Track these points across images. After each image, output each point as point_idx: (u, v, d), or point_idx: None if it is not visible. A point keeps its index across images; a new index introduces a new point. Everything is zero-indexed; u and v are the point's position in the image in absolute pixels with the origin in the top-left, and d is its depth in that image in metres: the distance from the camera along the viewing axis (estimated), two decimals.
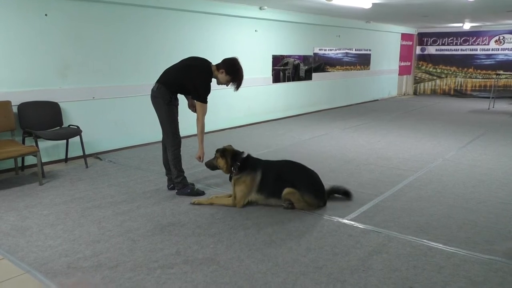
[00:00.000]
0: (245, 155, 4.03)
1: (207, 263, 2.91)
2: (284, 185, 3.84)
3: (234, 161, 3.97)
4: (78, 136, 5.36)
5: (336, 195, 4.19)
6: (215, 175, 5.04)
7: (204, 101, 4.11)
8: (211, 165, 4.11)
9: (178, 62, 4.27)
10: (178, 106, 4.33)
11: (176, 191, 4.33)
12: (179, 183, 4.28)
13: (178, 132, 4.28)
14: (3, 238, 3.31)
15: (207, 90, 4.11)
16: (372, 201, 4.11)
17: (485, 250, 3.09)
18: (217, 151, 4.07)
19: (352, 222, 3.61)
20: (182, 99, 4.41)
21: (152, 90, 4.21)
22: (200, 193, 4.31)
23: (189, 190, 4.29)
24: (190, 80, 4.10)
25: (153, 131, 6.70)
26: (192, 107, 4.40)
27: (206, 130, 7.67)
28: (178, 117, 4.29)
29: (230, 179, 4.04)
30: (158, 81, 4.21)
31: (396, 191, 4.44)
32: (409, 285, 2.63)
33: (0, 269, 2.86)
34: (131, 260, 2.94)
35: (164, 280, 2.69)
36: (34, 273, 2.78)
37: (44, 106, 5.34)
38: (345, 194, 4.17)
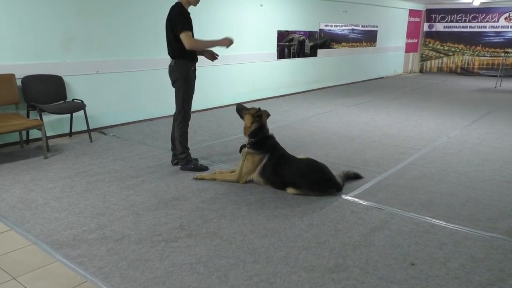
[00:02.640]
0: (268, 133, 3.95)
1: (211, 237, 2.94)
2: (286, 180, 3.75)
3: (255, 132, 3.88)
4: (82, 111, 5.36)
5: (349, 180, 4.02)
6: (219, 152, 5.05)
7: (185, 29, 3.92)
8: (240, 110, 4.04)
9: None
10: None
11: (180, 166, 4.35)
12: (183, 159, 4.29)
13: (190, 109, 4.25)
14: (9, 210, 3.35)
15: (183, 18, 3.94)
16: (375, 179, 4.11)
17: (487, 228, 3.10)
18: (253, 108, 3.96)
19: (355, 199, 3.62)
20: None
21: (170, 65, 4.15)
22: (204, 168, 4.33)
23: (192, 166, 4.30)
24: (172, 24, 3.99)
25: (158, 106, 6.73)
26: (207, 54, 4.37)
27: (210, 106, 7.70)
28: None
29: (240, 150, 3.97)
30: (171, 56, 4.13)
31: (399, 168, 4.44)
32: (410, 261, 2.66)
33: (7, 240, 2.90)
34: (135, 233, 2.98)
35: (168, 253, 2.72)
36: (40, 245, 2.83)
37: (48, 80, 5.32)
38: (357, 177, 4.09)
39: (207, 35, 7.38)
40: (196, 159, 4.45)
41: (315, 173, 3.77)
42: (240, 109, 4.06)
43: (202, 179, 4.05)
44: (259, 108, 3.98)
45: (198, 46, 4.09)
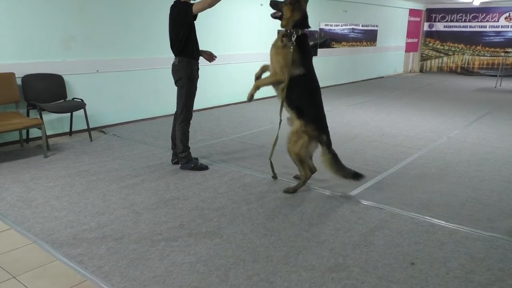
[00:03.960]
0: (305, 32, 3.55)
1: (211, 236, 2.94)
2: (300, 101, 3.57)
3: (299, 23, 3.48)
4: (82, 109, 5.35)
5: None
6: (219, 151, 5.05)
7: (191, 4, 3.89)
8: (275, 5, 3.56)
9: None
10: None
11: (180, 165, 4.35)
12: (183, 158, 4.29)
13: (192, 108, 4.26)
14: (9, 209, 3.35)
15: (188, 8, 3.92)
16: (375, 178, 4.11)
17: (487, 228, 3.11)
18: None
19: (355, 198, 3.62)
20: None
21: (173, 64, 4.15)
22: (204, 167, 4.33)
23: (192, 165, 4.30)
24: (175, 22, 4.01)
25: (158, 105, 6.72)
26: (206, 55, 4.35)
27: (210, 105, 7.70)
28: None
29: (281, 40, 3.56)
30: (175, 55, 4.13)
31: (399, 168, 4.44)
32: (410, 260, 2.66)
33: (7, 239, 2.90)
34: (135, 233, 2.98)
35: (168, 252, 2.72)
36: (40, 243, 2.83)
37: (48, 79, 5.32)
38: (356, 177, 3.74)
39: (207, 35, 7.41)
40: (196, 158, 4.46)
41: (321, 109, 3.72)
42: (276, 3, 3.56)
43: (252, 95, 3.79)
44: None
45: (212, 2, 3.85)
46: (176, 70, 4.13)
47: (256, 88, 3.75)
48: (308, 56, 3.66)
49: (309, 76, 3.64)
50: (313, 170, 3.85)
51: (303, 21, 3.52)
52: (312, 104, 3.70)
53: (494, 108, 7.97)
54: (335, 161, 3.67)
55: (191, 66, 4.09)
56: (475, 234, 3.02)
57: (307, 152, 3.68)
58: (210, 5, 3.85)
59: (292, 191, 3.73)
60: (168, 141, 4.78)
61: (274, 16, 3.63)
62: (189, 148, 4.33)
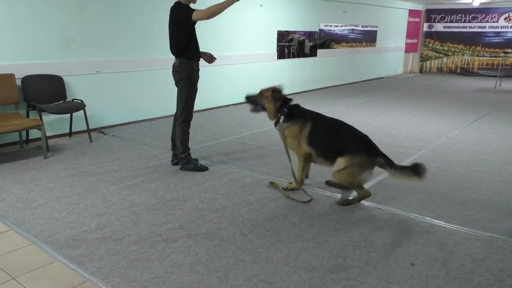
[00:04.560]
0: (293, 102, 3.67)
1: (210, 237, 2.94)
2: (335, 144, 3.47)
3: (282, 107, 3.60)
4: (82, 110, 5.36)
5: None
6: (219, 152, 5.05)
7: (192, 12, 3.88)
8: (253, 102, 3.70)
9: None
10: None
11: (179, 166, 4.35)
12: (183, 158, 4.29)
13: (192, 109, 4.25)
14: (9, 210, 3.35)
15: (186, 9, 3.91)
16: (375, 179, 4.11)
17: (486, 228, 3.10)
18: (267, 90, 3.65)
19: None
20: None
21: (174, 65, 4.14)
22: (204, 168, 4.33)
23: (192, 166, 4.30)
24: (175, 25, 4.00)
25: (158, 106, 6.72)
26: (206, 56, 4.35)
27: (209, 106, 7.71)
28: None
29: (275, 125, 3.70)
30: (175, 56, 4.13)
31: None
32: (410, 261, 2.66)
33: (7, 240, 2.90)
34: (135, 234, 2.98)
35: (168, 253, 2.72)
36: (40, 245, 2.83)
37: (48, 80, 5.32)
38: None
39: (207, 35, 7.40)
40: (196, 159, 4.46)
41: (358, 134, 3.55)
42: (252, 98, 3.74)
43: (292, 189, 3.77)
44: (274, 87, 3.66)
45: (213, 12, 3.82)
46: (176, 71, 4.13)
47: (301, 183, 3.77)
48: (305, 113, 3.69)
49: (321, 122, 3.64)
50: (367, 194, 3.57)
51: (284, 102, 3.64)
52: (346, 138, 3.53)
53: (494, 109, 7.97)
54: (405, 171, 3.32)
55: (191, 67, 4.09)
56: (475, 234, 3.01)
57: (359, 180, 3.45)
58: (209, 17, 3.87)
59: (346, 203, 3.53)
60: (167, 142, 4.78)
61: (254, 111, 3.76)
62: (189, 149, 4.33)
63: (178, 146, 4.28)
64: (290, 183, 3.86)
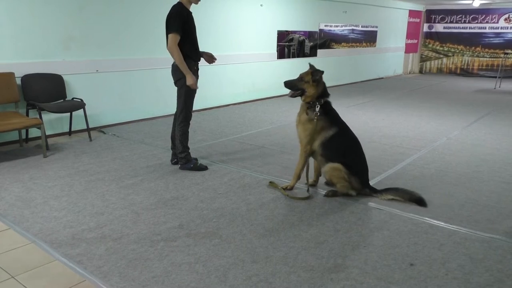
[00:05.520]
0: (328, 99, 3.67)
1: (210, 236, 2.94)
2: (343, 157, 3.56)
3: (322, 96, 3.60)
4: (82, 109, 5.35)
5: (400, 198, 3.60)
6: (219, 151, 5.05)
7: (174, 31, 3.92)
8: (292, 86, 3.67)
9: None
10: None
11: (179, 166, 4.35)
12: (183, 158, 4.29)
13: (192, 108, 4.26)
14: (8, 209, 3.35)
15: (177, 19, 3.93)
16: (374, 179, 4.11)
17: (485, 229, 3.11)
18: (307, 74, 3.60)
19: (354, 199, 3.62)
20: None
21: (173, 64, 4.14)
22: (203, 168, 4.33)
23: (192, 165, 4.30)
24: (167, 24, 4.02)
25: (158, 105, 6.72)
26: (206, 56, 4.38)
27: (209, 105, 7.71)
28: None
29: (306, 110, 3.62)
30: None
31: (399, 169, 4.44)
32: (409, 261, 2.66)
33: (6, 239, 2.90)
34: (134, 233, 2.98)
35: (167, 252, 2.72)
36: (39, 243, 2.83)
37: (48, 79, 5.32)
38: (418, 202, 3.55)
39: (207, 35, 7.41)
40: (196, 159, 4.45)
41: (363, 157, 3.69)
42: (292, 83, 3.70)
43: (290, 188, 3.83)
44: (313, 69, 3.63)
45: (173, 55, 3.97)
46: (175, 71, 4.12)
47: (298, 178, 3.79)
48: (336, 117, 3.71)
49: (344, 132, 3.69)
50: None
51: (324, 91, 3.65)
52: (354, 158, 3.66)
53: (494, 109, 7.98)
54: (389, 193, 3.61)
55: (189, 66, 4.08)
56: (474, 235, 3.02)
57: (344, 190, 3.65)
58: (170, 53, 3.97)
59: (331, 194, 3.69)
60: (167, 141, 4.78)
61: (293, 95, 3.70)
62: (188, 148, 4.33)
63: (178, 145, 4.28)
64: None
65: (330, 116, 3.65)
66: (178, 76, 4.11)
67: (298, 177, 3.80)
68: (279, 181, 3.99)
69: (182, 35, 3.97)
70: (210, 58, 4.39)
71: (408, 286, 2.40)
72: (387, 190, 3.64)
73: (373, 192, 3.66)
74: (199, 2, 4.12)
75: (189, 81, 4.01)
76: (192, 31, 4.10)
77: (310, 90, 3.60)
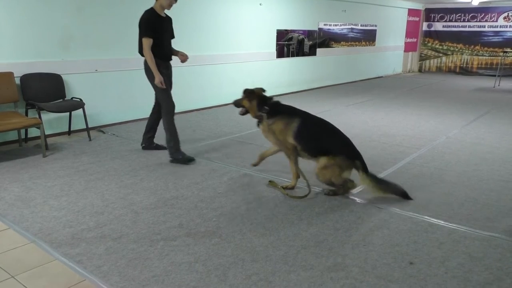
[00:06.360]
0: (274, 100, 3.82)
1: (210, 236, 2.94)
2: (319, 142, 3.62)
3: (261, 105, 3.75)
4: (81, 109, 5.35)
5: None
6: (219, 150, 5.05)
7: (146, 35, 4.31)
8: (237, 104, 3.94)
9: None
10: (172, 78, 4.68)
11: (169, 157, 4.54)
12: (171, 147, 4.51)
13: (170, 98, 4.51)
14: (8, 208, 3.35)
15: (147, 24, 4.32)
16: None
17: (485, 227, 3.11)
18: (244, 91, 3.86)
19: (354, 198, 3.63)
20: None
21: (144, 64, 4.46)
22: (191, 159, 4.51)
23: (180, 156, 4.49)
24: (139, 29, 4.40)
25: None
26: (180, 55, 4.70)
27: (209, 105, 7.70)
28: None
29: (258, 125, 3.85)
30: (141, 55, 4.49)
31: (398, 168, 4.45)
32: (408, 260, 2.66)
33: (6, 239, 2.90)
34: (134, 232, 2.98)
35: (167, 252, 2.72)
36: (39, 243, 2.83)
37: (47, 78, 5.31)
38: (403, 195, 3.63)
39: (207, 34, 7.42)
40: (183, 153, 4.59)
41: (343, 137, 3.71)
42: (236, 102, 3.98)
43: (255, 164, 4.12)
44: (245, 90, 3.90)
45: (146, 57, 4.35)
46: (146, 70, 4.44)
47: (297, 176, 3.82)
48: (292, 110, 3.81)
49: (308, 119, 3.75)
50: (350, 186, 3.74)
51: (262, 101, 3.78)
52: (330, 139, 3.70)
53: (493, 108, 7.98)
54: (377, 182, 3.55)
55: (157, 65, 4.35)
56: (474, 233, 3.02)
57: (340, 179, 3.60)
58: (144, 55, 4.37)
59: (332, 193, 3.69)
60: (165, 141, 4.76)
61: (242, 113, 3.94)
62: (177, 137, 4.54)
63: (167, 135, 4.52)
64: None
65: (285, 112, 3.76)
66: (148, 74, 4.44)
67: (298, 176, 3.80)
68: (279, 180, 3.99)
69: (152, 37, 4.31)
70: (183, 57, 4.70)
71: (407, 284, 2.40)
72: (375, 180, 3.55)
73: (364, 170, 3.56)
74: (170, 7, 4.44)
75: (156, 80, 4.33)
76: (161, 34, 4.40)
77: (249, 106, 3.83)
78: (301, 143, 3.65)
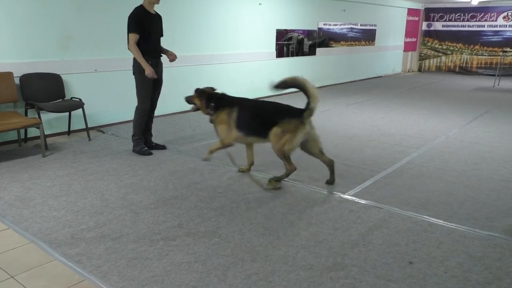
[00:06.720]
0: (220, 94, 4.09)
1: (209, 235, 2.94)
2: (262, 120, 3.85)
3: (208, 102, 4.01)
4: (81, 109, 5.34)
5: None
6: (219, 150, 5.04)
7: (132, 31, 4.44)
8: (188, 101, 4.18)
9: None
10: (162, 78, 4.84)
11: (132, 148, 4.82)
12: (134, 140, 4.82)
13: (147, 99, 4.72)
14: (7, 208, 3.35)
15: (133, 20, 4.44)
16: (373, 177, 4.12)
17: (484, 227, 3.11)
18: (196, 90, 4.11)
19: (354, 198, 3.63)
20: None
21: (133, 59, 4.63)
22: (147, 153, 4.75)
23: (138, 149, 4.78)
24: (127, 24, 4.50)
25: (157, 105, 6.70)
26: (168, 55, 4.79)
27: None
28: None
29: (211, 121, 4.09)
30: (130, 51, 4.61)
31: (398, 167, 4.45)
32: (408, 259, 2.66)
33: (5, 239, 2.90)
34: (134, 232, 2.98)
35: (167, 251, 2.72)
36: (39, 243, 2.82)
37: (46, 78, 5.31)
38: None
39: (206, 34, 7.41)
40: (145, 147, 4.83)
41: (282, 106, 3.98)
42: (188, 99, 4.17)
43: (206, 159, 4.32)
44: (197, 89, 4.11)
45: (132, 52, 4.51)
46: (133, 66, 4.63)
47: (211, 152, 4.13)
48: (231, 100, 4.03)
49: (245, 104, 4.00)
50: (329, 162, 3.98)
51: (210, 97, 4.03)
52: (269, 113, 3.93)
53: (492, 108, 7.98)
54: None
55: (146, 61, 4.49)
56: (473, 233, 3.02)
57: (292, 147, 3.76)
58: (131, 50, 4.52)
59: (276, 179, 3.88)
60: (166, 140, 4.79)
61: (193, 110, 4.20)
62: (140, 134, 4.80)
63: (133, 129, 4.78)
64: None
65: (225, 105, 3.98)
66: (133, 70, 4.63)
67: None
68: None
69: (140, 33, 4.42)
70: (172, 57, 4.79)
71: (407, 284, 2.41)
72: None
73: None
74: (158, 2, 4.57)
75: (146, 72, 4.49)
76: (148, 31, 4.50)
77: (198, 103, 4.08)
78: (245, 128, 3.87)
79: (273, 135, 3.72)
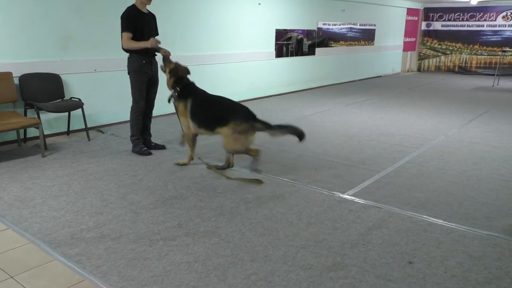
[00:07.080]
0: (189, 81, 4.26)
1: (209, 235, 2.94)
2: (213, 115, 4.07)
3: (176, 83, 4.19)
4: (80, 109, 5.34)
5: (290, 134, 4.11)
6: (217, 150, 5.04)
7: (124, 30, 4.48)
8: (164, 63, 4.33)
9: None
10: (158, 78, 4.82)
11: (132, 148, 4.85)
12: (133, 141, 4.84)
13: (141, 99, 4.71)
14: (7, 209, 3.34)
15: (126, 20, 4.48)
16: (373, 177, 4.12)
17: (484, 226, 3.11)
18: (172, 63, 4.25)
19: (353, 198, 3.63)
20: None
21: (128, 59, 4.66)
22: (146, 153, 4.77)
23: (138, 149, 4.79)
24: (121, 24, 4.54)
25: (156, 105, 6.69)
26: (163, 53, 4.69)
27: None
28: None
29: (168, 100, 4.29)
30: (124, 51, 4.66)
31: (397, 167, 4.45)
32: (408, 259, 2.66)
33: (5, 239, 2.90)
34: (133, 232, 2.98)
35: (166, 251, 2.72)
36: (38, 243, 2.82)
37: (46, 78, 5.31)
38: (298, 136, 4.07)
39: (206, 34, 7.41)
40: (146, 148, 4.86)
41: (238, 106, 4.19)
42: (165, 61, 4.34)
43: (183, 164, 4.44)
44: (176, 64, 4.26)
45: (129, 47, 4.52)
46: (127, 65, 4.64)
47: (181, 144, 4.55)
48: (192, 91, 4.23)
49: (200, 97, 4.21)
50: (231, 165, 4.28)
51: (178, 83, 4.22)
52: (221, 109, 4.15)
53: (492, 107, 7.99)
54: (276, 128, 4.04)
55: (137, 61, 4.55)
56: (473, 232, 3.02)
57: (241, 148, 4.03)
58: (126, 49, 4.56)
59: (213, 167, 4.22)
60: (165, 141, 4.79)
61: (162, 70, 4.38)
62: (138, 134, 4.81)
63: (130, 129, 4.80)
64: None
65: (187, 95, 4.17)
66: (128, 70, 4.64)
67: (192, 158, 4.42)
68: (277, 180, 3.99)
69: (132, 32, 4.47)
70: (165, 53, 4.74)
71: (407, 284, 2.41)
72: (280, 127, 4.06)
73: (265, 127, 4.00)
74: (150, 2, 4.62)
75: (149, 44, 4.47)
76: (141, 30, 4.52)
77: (167, 77, 4.26)
78: (195, 119, 4.10)
79: (224, 135, 3.99)
